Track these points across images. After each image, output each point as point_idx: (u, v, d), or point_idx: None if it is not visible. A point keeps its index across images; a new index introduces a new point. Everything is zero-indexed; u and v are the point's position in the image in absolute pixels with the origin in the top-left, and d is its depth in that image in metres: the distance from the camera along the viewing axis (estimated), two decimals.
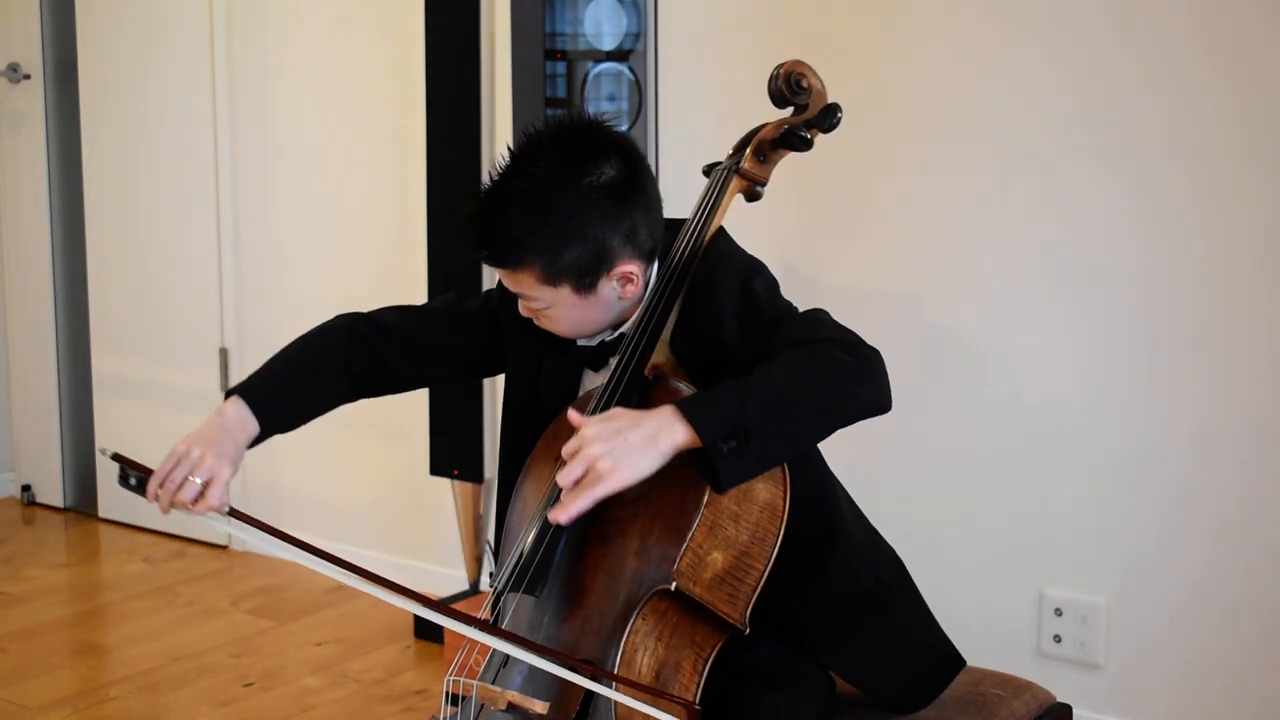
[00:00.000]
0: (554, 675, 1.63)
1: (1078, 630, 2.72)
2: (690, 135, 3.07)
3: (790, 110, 1.99)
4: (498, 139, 3.29)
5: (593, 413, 1.72)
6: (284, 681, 3.19)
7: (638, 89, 3.06)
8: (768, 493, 1.71)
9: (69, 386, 4.47)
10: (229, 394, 1.88)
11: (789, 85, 1.97)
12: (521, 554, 1.73)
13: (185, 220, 4.08)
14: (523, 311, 1.85)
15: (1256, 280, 2.51)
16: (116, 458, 1.79)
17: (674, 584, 1.63)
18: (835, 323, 1.78)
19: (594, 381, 1.89)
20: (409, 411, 3.62)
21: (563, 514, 1.62)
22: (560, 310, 1.80)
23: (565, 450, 1.65)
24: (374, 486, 3.81)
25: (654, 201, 1.82)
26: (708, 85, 3.05)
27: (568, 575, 1.72)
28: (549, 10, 3.01)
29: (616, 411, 1.65)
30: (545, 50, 3.02)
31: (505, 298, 1.91)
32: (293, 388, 1.92)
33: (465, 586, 3.48)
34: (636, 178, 1.79)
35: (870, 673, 1.88)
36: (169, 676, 3.21)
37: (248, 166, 3.97)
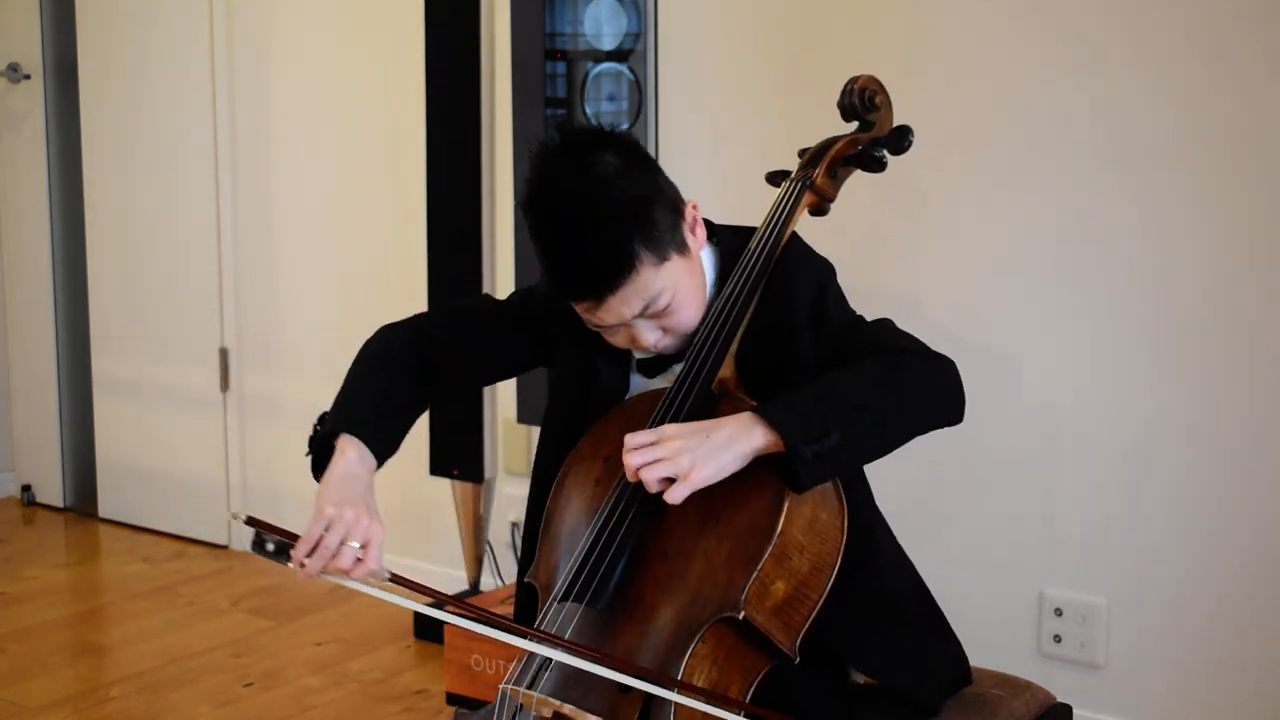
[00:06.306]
0: (607, 688, 1.60)
1: (1078, 630, 2.72)
2: (690, 135, 3.07)
3: (856, 125, 1.97)
4: (498, 139, 3.29)
5: (657, 422, 1.71)
6: (284, 681, 3.19)
7: (638, 89, 3.06)
8: (830, 524, 1.70)
9: (69, 386, 4.47)
10: (327, 431, 1.78)
11: (863, 101, 1.95)
12: (582, 561, 1.70)
13: (185, 220, 4.08)
14: (639, 342, 1.77)
15: (1255, 281, 2.51)
16: (252, 522, 1.66)
17: (742, 614, 1.62)
18: (905, 332, 1.79)
19: (644, 385, 1.86)
20: None
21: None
22: (682, 294, 1.74)
23: (635, 440, 1.64)
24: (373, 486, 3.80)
25: None
26: (708, 85, 3.05)
27: (624, 588, 1.69)
28: (549, 10, 3.01)
29: (692, 423, 1.66)
30: (545, 50, 3.02)
31: (552, 297, 1.85)
32: (389, 413, 1.85)
33: (465, 586, 3.48)
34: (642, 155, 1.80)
35: (898, 677, 1.85)
36: (169, 676, 3.21)
37: (247, 166, 3.97)
